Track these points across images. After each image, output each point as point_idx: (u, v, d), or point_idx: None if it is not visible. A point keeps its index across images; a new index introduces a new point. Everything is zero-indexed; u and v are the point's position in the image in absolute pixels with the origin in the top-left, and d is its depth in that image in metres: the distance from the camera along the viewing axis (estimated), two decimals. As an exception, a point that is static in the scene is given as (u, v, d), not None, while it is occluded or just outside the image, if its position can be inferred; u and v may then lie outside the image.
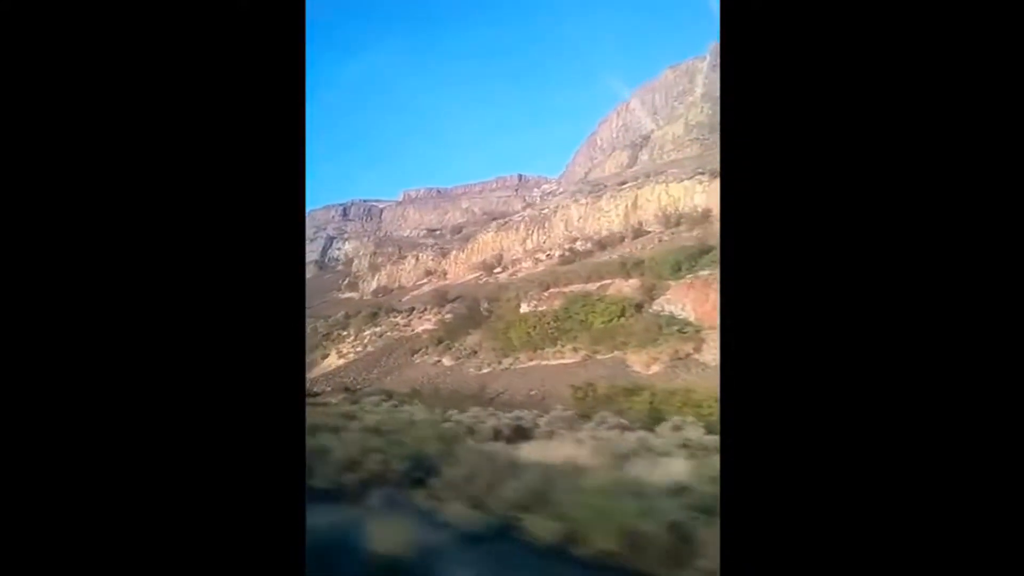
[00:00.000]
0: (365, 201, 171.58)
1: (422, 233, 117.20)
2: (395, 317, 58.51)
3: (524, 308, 41.71)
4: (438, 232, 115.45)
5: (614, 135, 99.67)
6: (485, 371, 34.97)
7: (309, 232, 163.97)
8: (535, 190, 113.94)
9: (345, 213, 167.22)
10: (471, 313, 45.02)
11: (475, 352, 39.51)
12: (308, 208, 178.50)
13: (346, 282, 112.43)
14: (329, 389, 44.20)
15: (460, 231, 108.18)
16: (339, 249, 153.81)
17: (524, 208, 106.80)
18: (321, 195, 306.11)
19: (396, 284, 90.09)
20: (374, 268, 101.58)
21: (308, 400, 29.89)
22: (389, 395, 30.24)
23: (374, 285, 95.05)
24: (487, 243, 74.13)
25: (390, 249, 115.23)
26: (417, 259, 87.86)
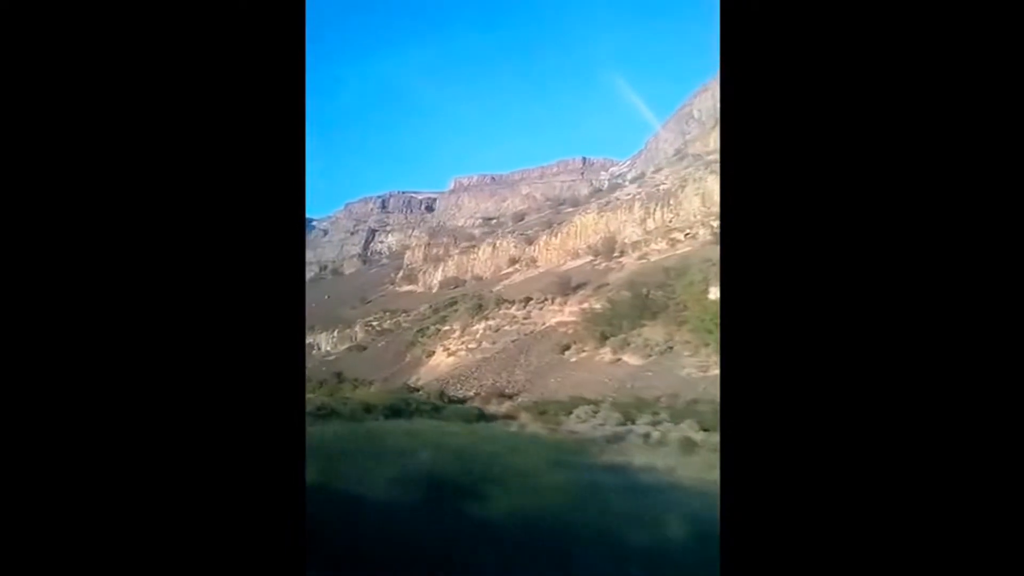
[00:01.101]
0: (404, 193, 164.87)
1: (477, 222, 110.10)
2: (508, 308, 51.10)
3: (713, 294, 33.86)
4: (495, 220, 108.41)
5: (713, 106, 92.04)
6: (710, 373, 27.23)
7: (348, 225, 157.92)
8: (602, 173, 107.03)
9: (384, 205, 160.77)
10: (636, 301, 37.31)
11: (669, 347, 31.77)
12: (345, 201, 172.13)
13: (400, 275, 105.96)
14: (472, 394, 37.23)
15: (522, 218, 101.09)
16: (382, 242, 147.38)
17: (592, 191, 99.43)
18: (353, 189, 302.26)
19: (468, 274, 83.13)
20: (435, 259, 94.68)
21: (443, 409, 22.15)
22: (595, 405, 22.87)
23: (439, 277, 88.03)
24: (588, 225, 66.84)
25: (445, 239, 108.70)
26: (495, 247, 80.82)
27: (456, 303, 62.26)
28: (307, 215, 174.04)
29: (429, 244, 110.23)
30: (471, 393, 37.79)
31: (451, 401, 30.23)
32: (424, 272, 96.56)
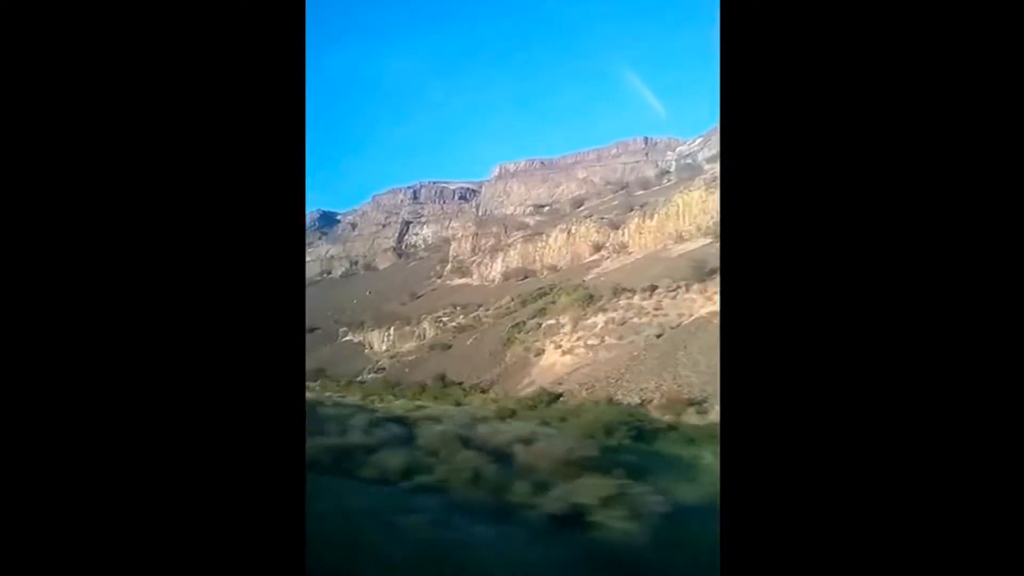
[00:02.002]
0: (435, 183, 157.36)
1: (527, 209, 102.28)
2: (629, 298, 43.03)
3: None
4: (548, 207, 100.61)
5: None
6: None
7: (379, 218, 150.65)
8: (668, 153, 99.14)
9: (415, 196, 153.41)
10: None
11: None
12: (373, 192, 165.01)
13: (448, 268, 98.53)
14: (640, 401, 29.52)
15: (581, 203, 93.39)
16: (417, 234, 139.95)
17: (659, 173, 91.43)
18: (378, 181, 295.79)
19: (537, 264, 75.41)
20: (491, 250, 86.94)
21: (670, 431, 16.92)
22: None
23: (499, 268, 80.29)
24: (693, 204, 58.97)
25: (495, 228, 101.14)
26: (569, 233, 73.06)
27: (547, 294, 54.57)
28: (332, 209, 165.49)
29: (477, 234, 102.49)
30: (636, 400, 30.24)
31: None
32: (478, 264, 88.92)
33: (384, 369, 57.98)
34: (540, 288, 58.89)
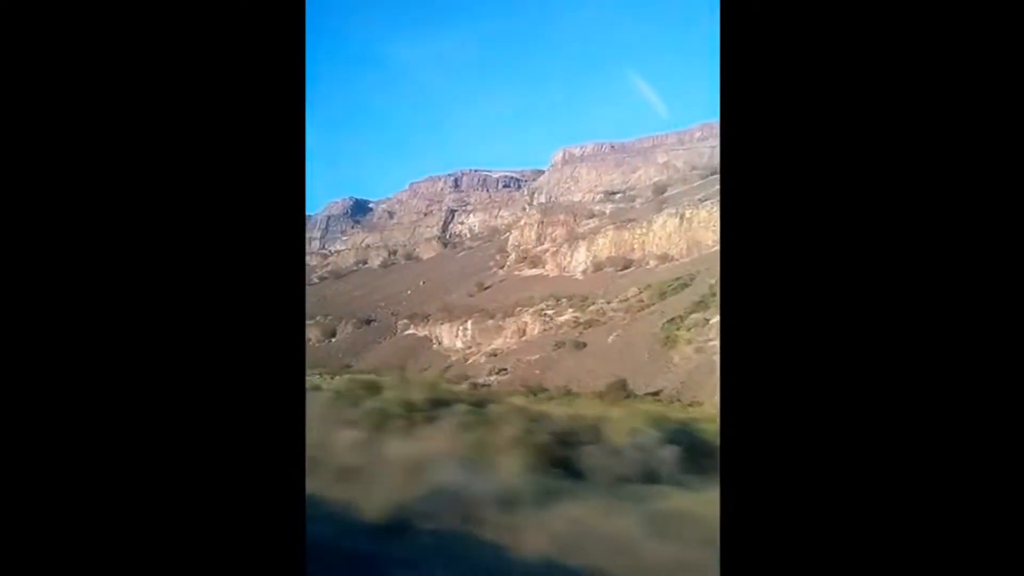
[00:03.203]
0: (477, 170, 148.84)
1: (598, 196, 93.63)
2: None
3: None
4: (622, 194, 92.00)
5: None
6: None
7: (419, 206, 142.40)
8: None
9: (456, 184, 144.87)
10: None
11: None
12: (410, 181, 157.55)
13: (512, 257, 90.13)
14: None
15: (664, 190, 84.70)
16: (462, 223, 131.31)
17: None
18: (412, 169, 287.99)
19: (637, 253, 66.81)
20: (573, 238, 78.35)
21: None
22: None
23: (583, 258, 71.58)
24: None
25: (563, 216, 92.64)
26: (682, 218, 64.48)
27: (688, 285, 45.87)
28: (365, 197, 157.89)
29: (543, 222, 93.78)
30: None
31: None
32: (553, 253, 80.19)
33: (506, 371, 49.20)
34: (678, 278, 50.38)
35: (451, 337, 71.79)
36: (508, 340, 59.19)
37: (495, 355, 56.63)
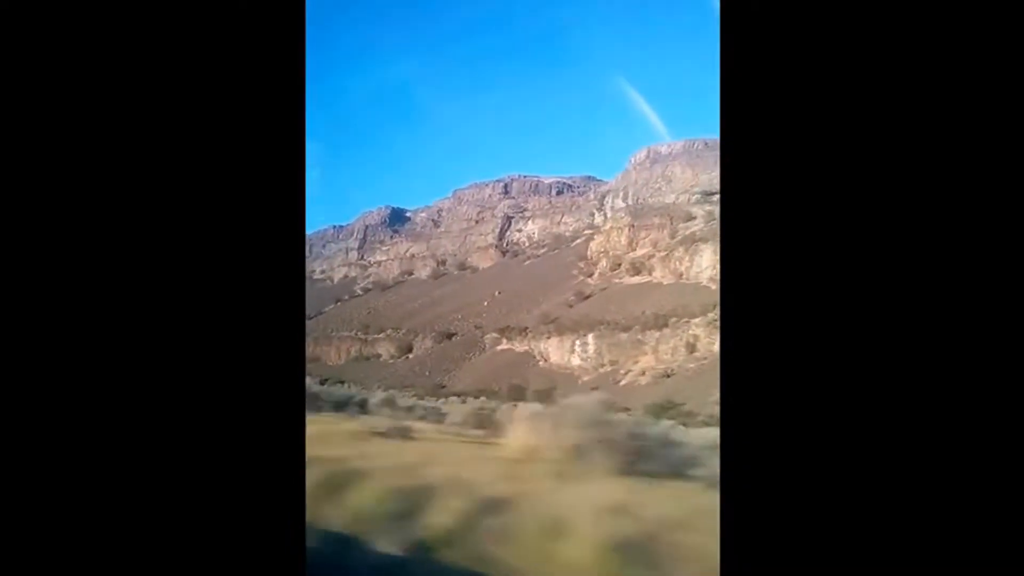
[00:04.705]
0: (526, 176, 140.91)
1: (694, 198, 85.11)
2: None
3: None
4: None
5: None
6: None
7: (469, 212, 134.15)
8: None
9: (506, 190, 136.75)
10: None
11: None
12: (458, 186, 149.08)
13: (603, 264, 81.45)
14: None
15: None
16: (520, 230, 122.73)
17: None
18: (448, 177, 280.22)
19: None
20: (691, 240, 69.56)
21: None
22: None
23: (711, 262, 62.65)
24: None
25: (656, 219, 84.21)
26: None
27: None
28: (402, 206, 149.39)
29: (633, 226, 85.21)
30: None
31: None
32: (664, 258, 71.43)
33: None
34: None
35: (562, 353, 62.68)
36: (666, 357, 49.93)
37: (667, 375, 47.19)
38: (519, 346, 68.90)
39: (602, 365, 53.58)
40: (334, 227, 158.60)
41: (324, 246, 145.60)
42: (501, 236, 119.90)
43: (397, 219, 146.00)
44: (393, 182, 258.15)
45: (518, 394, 45.59)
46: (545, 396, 44.42)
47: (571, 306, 72.38)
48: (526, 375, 61.21)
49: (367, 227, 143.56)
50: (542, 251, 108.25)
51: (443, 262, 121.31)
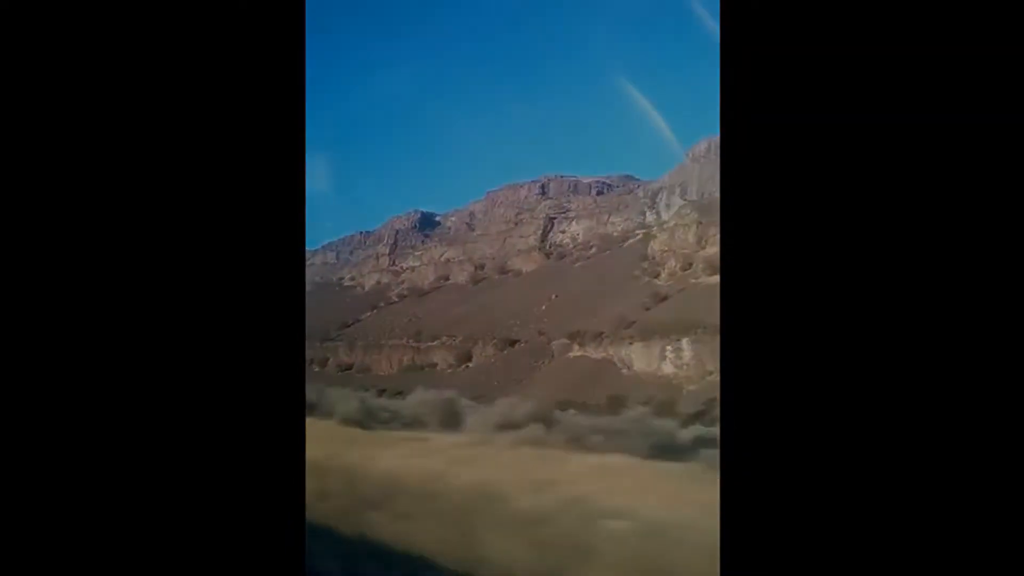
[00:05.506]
0: (563, 176, 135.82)
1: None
2: None
3: None
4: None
5: None
6: None
7: (509, 215, 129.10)
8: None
9: (543, 191, 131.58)
10: None
11: None
12: (491, 187, 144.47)
13: (673, 264, 76.02)
14: None
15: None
16: (563, 232, 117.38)
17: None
18: (481, 178, 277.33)
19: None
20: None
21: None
22: None
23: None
24: None
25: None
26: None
27: None
28: (431, 210, 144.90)
29: (700, 223, 79.81)
30: None
31: None
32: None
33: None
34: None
35: (649, 359, 57.10)
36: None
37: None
38: (594, 353, 63.35)
39: (708, 373, 47.85)
40: (361, 233, 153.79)
41: (352, 252, 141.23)
42: (543, 238, 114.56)
43: (427, 223, 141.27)
44: (419, 186, 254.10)
45: (617, 405, 40.25)
46: (666, 408, 38.58)
47: (647, 309, 66.90)
48: (613, 384, 55.70)
49: (397, 232, 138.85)
50: (591, 252, 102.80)
51: (481, 266, 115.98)
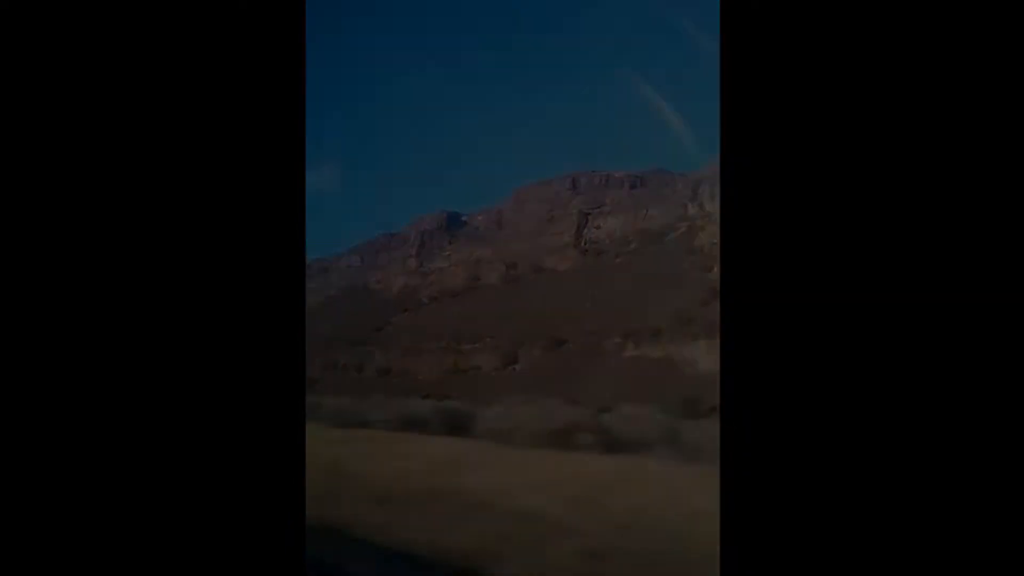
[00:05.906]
0: (595, 171, 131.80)
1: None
2: None
3: None
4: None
5: None
6: None
7: (540, 211, 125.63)
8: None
9: (574, 186, 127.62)
10: None
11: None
12: (516, 184, 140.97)
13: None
14: None
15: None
16: (598, 227, 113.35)
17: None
18: (507, 176, 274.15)
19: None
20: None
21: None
22: None
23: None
24: None
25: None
26: None
27: None
28: (456, 210, 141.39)
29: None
30: None
31: None
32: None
33: None
34: None
35: (715, 358, 53.12)
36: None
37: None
38: (652, 352, 59.35)
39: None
40: (386, 235, 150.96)
41: (377, 255, 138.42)
42: (578, 234, 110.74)
43: (454, 223, 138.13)
44: (443, 186, 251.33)
45: (692, 409, 36.36)
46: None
47: (705, 304, 62.59)
48: (678, 385, 51.72)
49: (423, 233, 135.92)
50: (631, 248, 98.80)
51: (513, 265, 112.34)
